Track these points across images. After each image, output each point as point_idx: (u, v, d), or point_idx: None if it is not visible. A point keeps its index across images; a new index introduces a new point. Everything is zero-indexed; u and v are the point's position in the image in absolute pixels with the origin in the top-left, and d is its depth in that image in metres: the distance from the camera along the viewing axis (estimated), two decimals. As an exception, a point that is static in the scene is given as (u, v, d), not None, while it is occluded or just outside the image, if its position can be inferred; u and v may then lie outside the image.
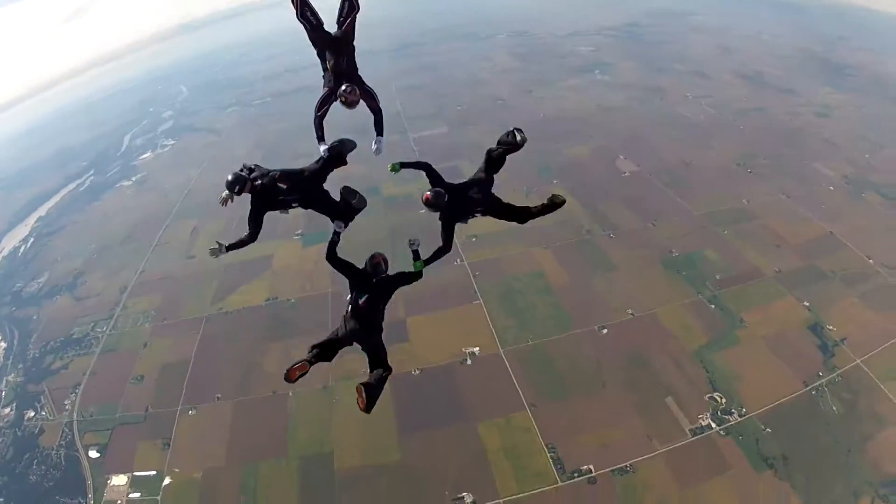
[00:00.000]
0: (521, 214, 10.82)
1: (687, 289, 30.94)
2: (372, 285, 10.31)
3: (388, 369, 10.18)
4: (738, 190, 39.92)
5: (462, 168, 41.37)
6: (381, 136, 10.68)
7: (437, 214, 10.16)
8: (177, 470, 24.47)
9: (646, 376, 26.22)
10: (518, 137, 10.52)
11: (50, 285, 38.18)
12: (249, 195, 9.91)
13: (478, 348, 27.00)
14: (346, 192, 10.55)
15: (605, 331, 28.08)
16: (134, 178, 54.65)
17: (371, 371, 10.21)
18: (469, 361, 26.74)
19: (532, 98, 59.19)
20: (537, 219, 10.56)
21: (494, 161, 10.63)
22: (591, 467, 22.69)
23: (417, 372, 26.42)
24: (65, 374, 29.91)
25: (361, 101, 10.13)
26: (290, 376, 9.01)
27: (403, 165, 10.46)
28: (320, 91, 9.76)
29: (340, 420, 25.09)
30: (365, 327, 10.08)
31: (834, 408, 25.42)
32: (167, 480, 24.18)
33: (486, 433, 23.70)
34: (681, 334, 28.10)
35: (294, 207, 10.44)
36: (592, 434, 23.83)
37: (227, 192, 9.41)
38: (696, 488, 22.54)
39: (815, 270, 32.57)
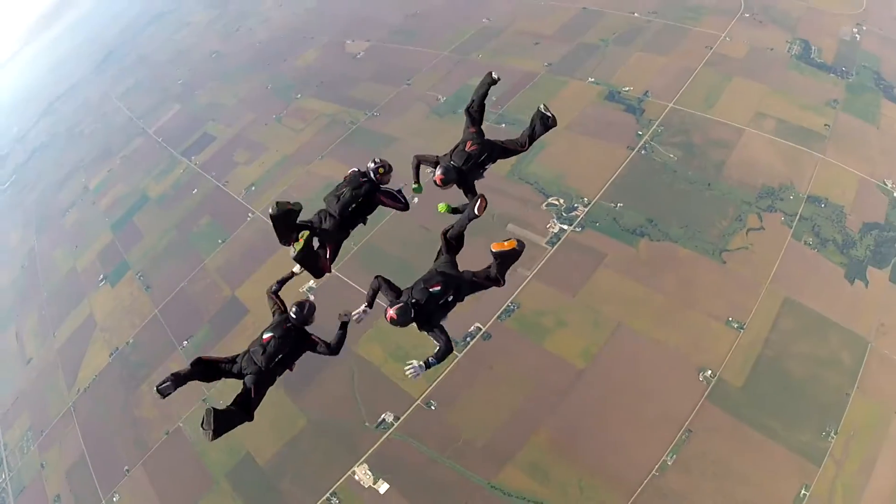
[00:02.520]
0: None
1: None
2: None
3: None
4: (474, 15, 39.53)
5: (211, 131, 40.74)
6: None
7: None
8: (137, 561, 22.87)
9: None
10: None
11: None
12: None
13: (312, 281, 25.66)
14: None
15: (416, 200, 26.83)
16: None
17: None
18: (311, 297, 25.03)
19: (242, 34, 56.63)
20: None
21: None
22: (478, 325, 22.21)
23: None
24: (0, 548, 27.44)
25: None
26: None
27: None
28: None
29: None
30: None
31: (671, 155, 25.65)
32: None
33: (366, 350, 22.91)
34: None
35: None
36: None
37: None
38: (585, 288, 22.50)
39: (584, 47, 32.69)
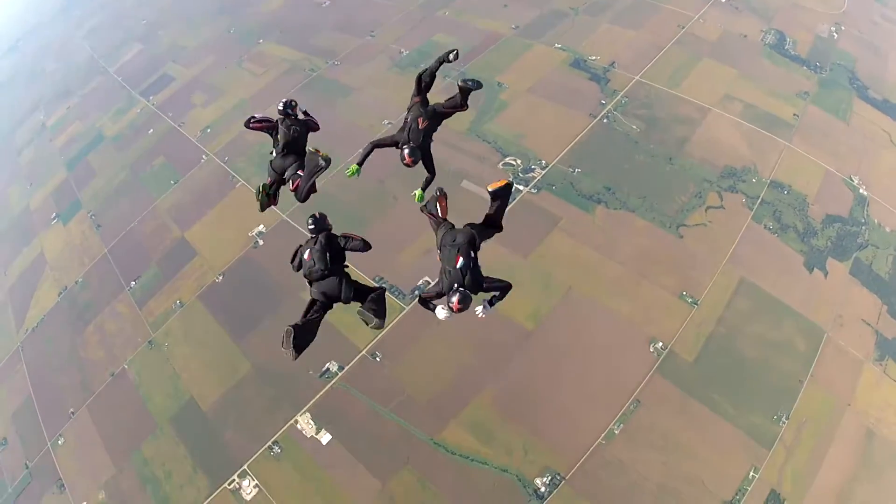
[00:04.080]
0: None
1: (431, 78, 30.06)
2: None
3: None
4: (445, -28, 39.22)
5: (171, 72, 40.01)
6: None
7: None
8: (84, 503, 22.40)
9: (431, 171, 25.35)
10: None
11: None
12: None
13: (262, 226, 25.59)
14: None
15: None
16: None
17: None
18: (261, 242, 25.46)
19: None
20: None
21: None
22: (427, 279, 21.95)
23: (220, 278, 24.95)
24: (-51, 485, 26.88)
25: None
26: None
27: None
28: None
29: (180, 366, 23.50)
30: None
31: (634, 126, 25.48)
32: (81, 518, 22.60)
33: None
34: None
35: None
36: (410, 248, 22.99)
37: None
38: (536, 252, 22.35)
39: (553, 14, 32.36)
